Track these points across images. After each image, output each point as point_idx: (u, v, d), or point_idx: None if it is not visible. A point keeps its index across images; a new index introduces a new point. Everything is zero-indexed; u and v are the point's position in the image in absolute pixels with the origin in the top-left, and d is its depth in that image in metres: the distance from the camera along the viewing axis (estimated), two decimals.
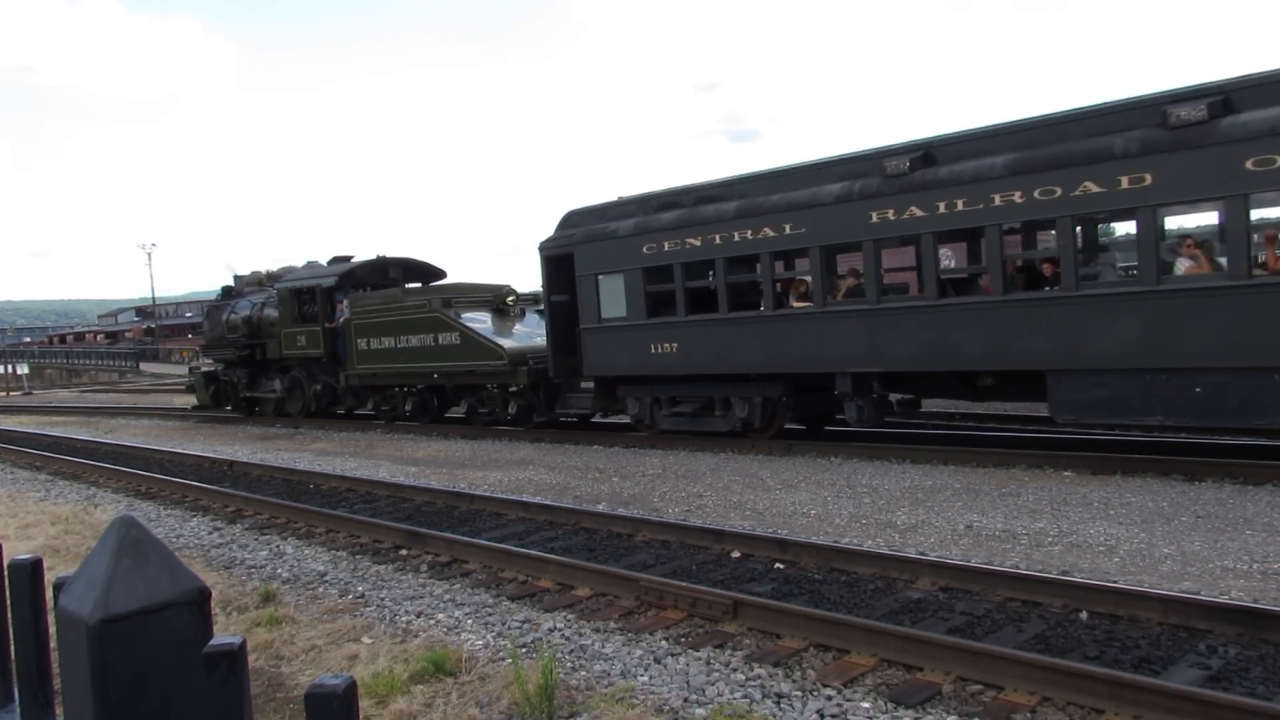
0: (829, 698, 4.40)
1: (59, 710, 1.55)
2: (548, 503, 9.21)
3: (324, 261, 21.58)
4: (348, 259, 20.61)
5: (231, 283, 23.60)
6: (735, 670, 4.81)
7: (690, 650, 5.14)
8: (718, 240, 12.22)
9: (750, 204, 11.99)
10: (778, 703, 4.39)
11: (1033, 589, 5.64)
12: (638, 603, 5.96)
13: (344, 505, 10.06)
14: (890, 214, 10.54)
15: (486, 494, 9.88)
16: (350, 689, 1.04)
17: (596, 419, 15.84)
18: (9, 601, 1.90)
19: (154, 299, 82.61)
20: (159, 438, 19.11)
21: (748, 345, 12.04)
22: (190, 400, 24.88)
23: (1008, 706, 4.21)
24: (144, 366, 58.42)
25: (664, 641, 5.33)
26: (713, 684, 4.64)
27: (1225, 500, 7.86)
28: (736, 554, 7.09)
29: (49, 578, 1.77)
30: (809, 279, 11.81)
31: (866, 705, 4.30)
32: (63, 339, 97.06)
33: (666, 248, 12.78)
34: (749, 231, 11.86)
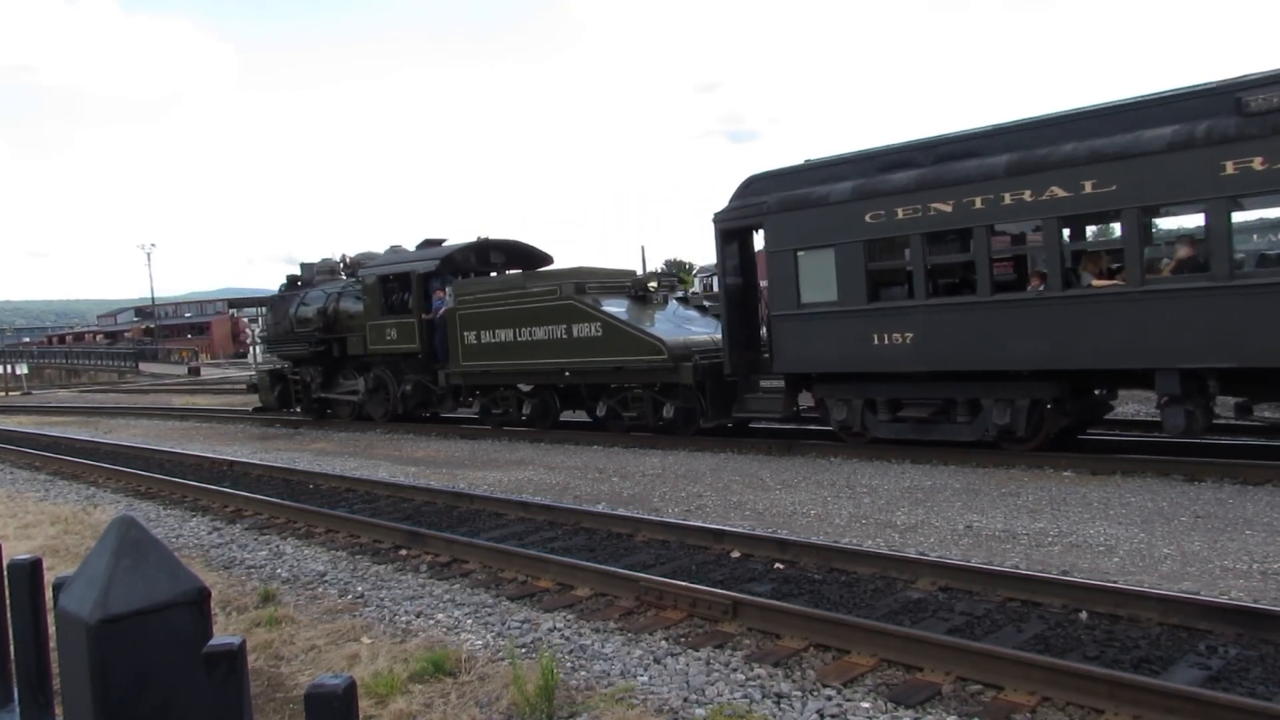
0: (829, 698, 4.40)
1: (58, 710, 1.55)
2: (548, 503, 9.21)
3: (408, 246, 19.53)
4: (438, 242, 18.42)
5: (298, 271, 21.36)
6: (735, 670, 4.81)
7: (690, 650, 5.14)
8: (978, 204, 9.81)
9: (1029, 158, 9.59)
10: (778, 703, 4.39)
11: (1033, 589, 5.64)
12: (637, 603, 5.96)
13: (344, 505, 10.06)
14: (1257, 163, 8.21)
15: (486, 494, 9.88)
16: (350, 689, 1.04)
17: (749, 425, 13.79)
18: (9, 601, 1.90)
19: (153, 299, 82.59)
20: (158, 438, 19.10)
21: (1019, 335, 9.72)
22: (252, 400, 22.48)
23: (1008, 706, 4.21)
24: (143, 367, 58.41)
25: (664, 641, 5.33)
26: (712, 684, 4.64)
27: (1225, 500, 7.86)
28: (736, 554, 7.09)
29: (49, 578, 1.77)
30: (1118, 250, 9.54)
31: (866, 705, 4.30)
32: (62, 339, 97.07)
33: (900, 215, 10.40)
34: (1026, 192, 9.52)
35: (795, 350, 11.62)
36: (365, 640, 5.62)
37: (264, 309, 22.63)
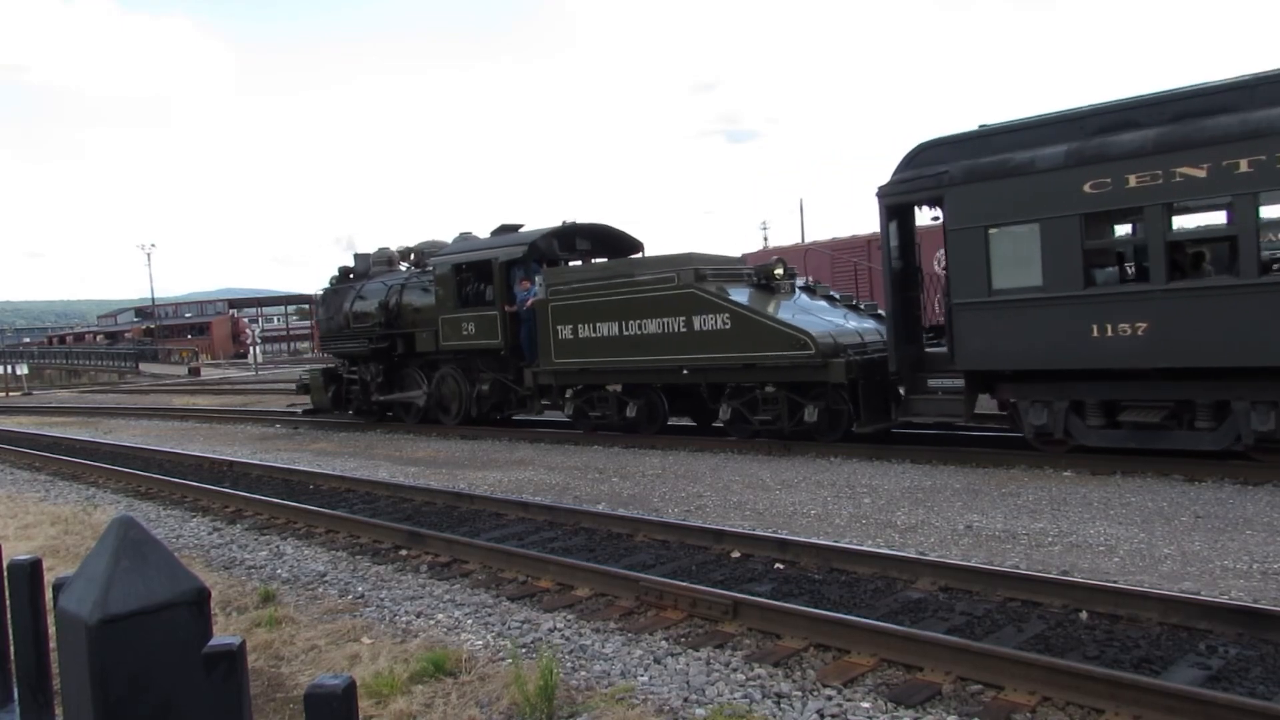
0: (829, 698, 4.40)
1: (58, 710, 1.55)
2: (548, 503, 9.21)
3: (476, 232, 17.90)
4: (516, 228, 16.70)
5: (351, 262, 19.78)
6: (735, 670, 4.81)
7: (690, 650, 5.14)
8: (1243, 167, 8.22)
9: None
10: (778, 703, 4.39)
11: (1033, 589, 5.64)
12: (638, 603, 5.97)
13: (344, 505, 10.06)
14: None
15: (486, 494, 9.88)
16: (350, 689, 1.04)
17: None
18: (9, 602, 1.90)
19: (153, 299, 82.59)
20: (159, 438, 19.10)
21: None
22: (301, 401, 20.94)
23: (1008, 706, 4.21)
24: (143, 367, 58.41)
25: (664, 641, 5.33)
26: (713, 684, 4.64)
27: (1225, 500, 7.86)
28: (736, 554, 7.09)
29: (48, 578, 1.77)
30: None
31: (866, 705, 4.30)
32: (62, 339, 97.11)
33: (1132, 183, 8.82)
34: None
35: (983, 344, 9.95)
36: (365, 640, 5.62)
37: (319, 301, 20.40)
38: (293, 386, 29.00)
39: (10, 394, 44.57)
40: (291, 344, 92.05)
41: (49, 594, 1.64)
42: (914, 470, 10.05)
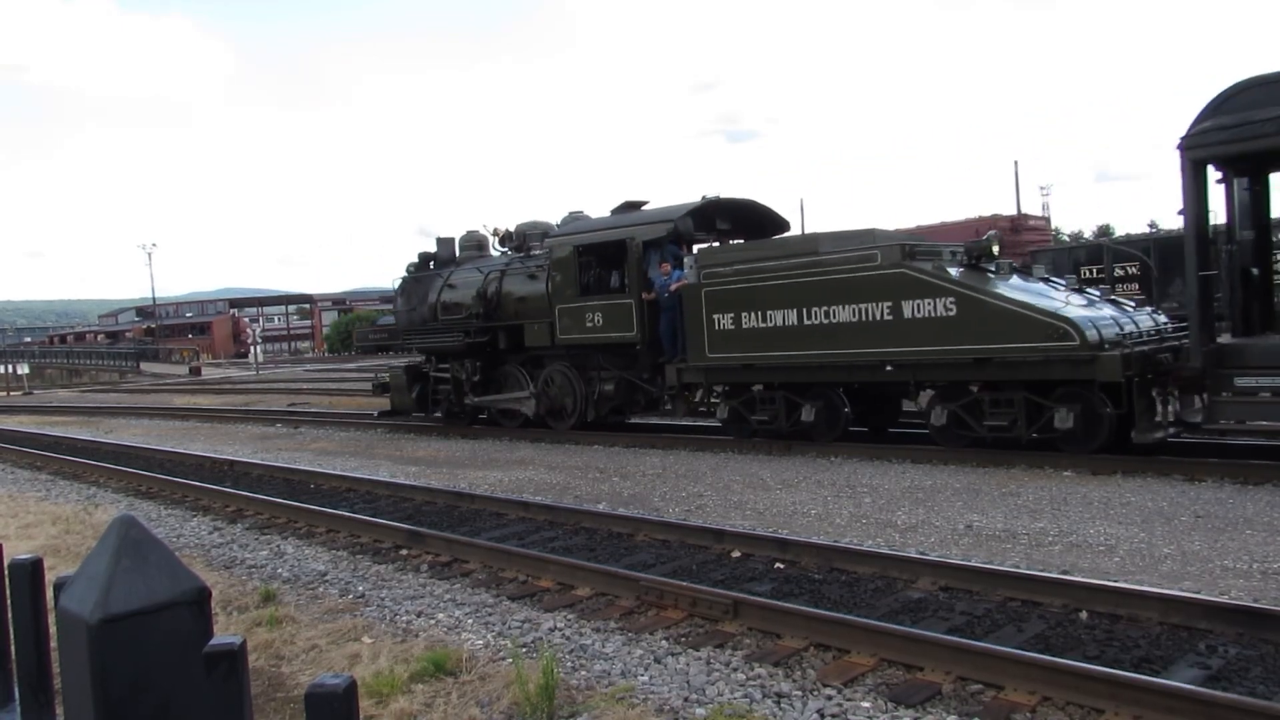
0: (829, 697, 4.40)
1: (59, 710, 1.56)
2: (548, 502, 9.21)
3: (582, 213, 15.97)
4: (639, 204, 14.73)
5: (433, 248, 17.86)
6: (735, 670, 4.81)
7: (690, 650, 5.14)
8: None
9: None
10: (778, 702, 4.39)
11: (1033, 589, 5.64)
12: (638, 602, 5.97)
13: (344, 505, 10.06)
14: None
15: (487, 494, 9.88)
16: (350, 689, 1.05)
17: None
18: (9, 601, 1.90)
19: (154, 299, 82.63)
20: (160, 438, 19.10)
21: None
22: (379, 403, 18.84)
23: (1008, 706, 4.21)
24: (144, 366, 58.45)
25: (664, 641, 5.33)
26: (713, 684, 4.64)
27: (1225, 500, 7.86)
28: (737, 554, 7.10)
29: (49, 578, 1.77)
30: None
31: (866, 705, 4.30)
32: (63, 339, 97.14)
33: None
34: None
35: None
36: (366, 640, 5.62)
37: (397, 292, 18.24)
38: (291, 389, 28.94)
39: (11, 393, 44.60)
40: (292, 344, 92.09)
41: (50, 593, 1.64)
42: (914, 470, 10.05)
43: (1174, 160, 9.13)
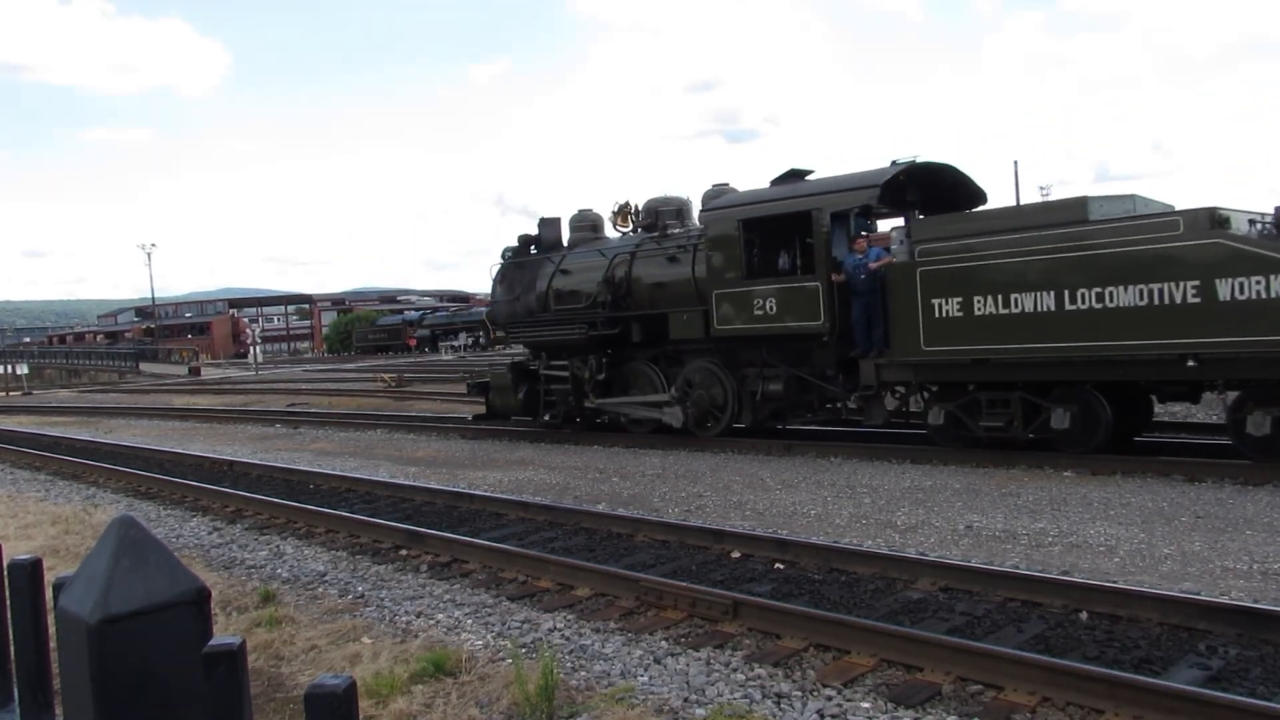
0: (829, 698, 4.40)
1: (59, 710, 1.55)
2: (548, 503, 9.21)
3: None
4: (804, 173, 12.47)
5: (535, 230, 15.88)
6: (735, 670, 4.81)
7: (690, 650, 5.14)
8: None
9: None
10: (778, 703, 4.39)
11: (1033, 589, 5.64)
12: (638, 603, 5.97)
13: (344, 505, 10.05)
14: None
15: (486, 494, 9.87)
16: (350, 689, 1.05)
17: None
18: (9, 601, 1.90)
19: (154, 299, 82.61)
20: (159, 438, 19.10)
21: None
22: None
23: (1008, 706, 4.21)
24: (144, 367, 58.42)
25: (664, 641, 5.33)
26: (713, 684, 4.64)
27: (1225, 500, 7.86)
28: (736, 554, 7.09)
29: (49, 578, 1.77)
30: None
31: (866, 705, 4.30)
32: (62, 339, 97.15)
33: None
34: None
35: None
36: (366, 640, 5.62)
37: (495, 279, 16.07)
38: (290, 389, 28.81)
39: (10, 394, 44.57)
40: (291, 344, 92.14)
41: (49, 594, 1.64)
42: (914, 470, 10.05)
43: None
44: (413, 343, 62.90)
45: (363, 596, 6.61)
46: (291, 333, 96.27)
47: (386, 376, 30.41)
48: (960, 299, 10.07)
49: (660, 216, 13.92)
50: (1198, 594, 5.37)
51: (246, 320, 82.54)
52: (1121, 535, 6.96)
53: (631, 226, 14.53)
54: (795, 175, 12.50)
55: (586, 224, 15.39)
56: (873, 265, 10.95)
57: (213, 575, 7.43)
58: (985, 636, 5.05)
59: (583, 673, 4.91)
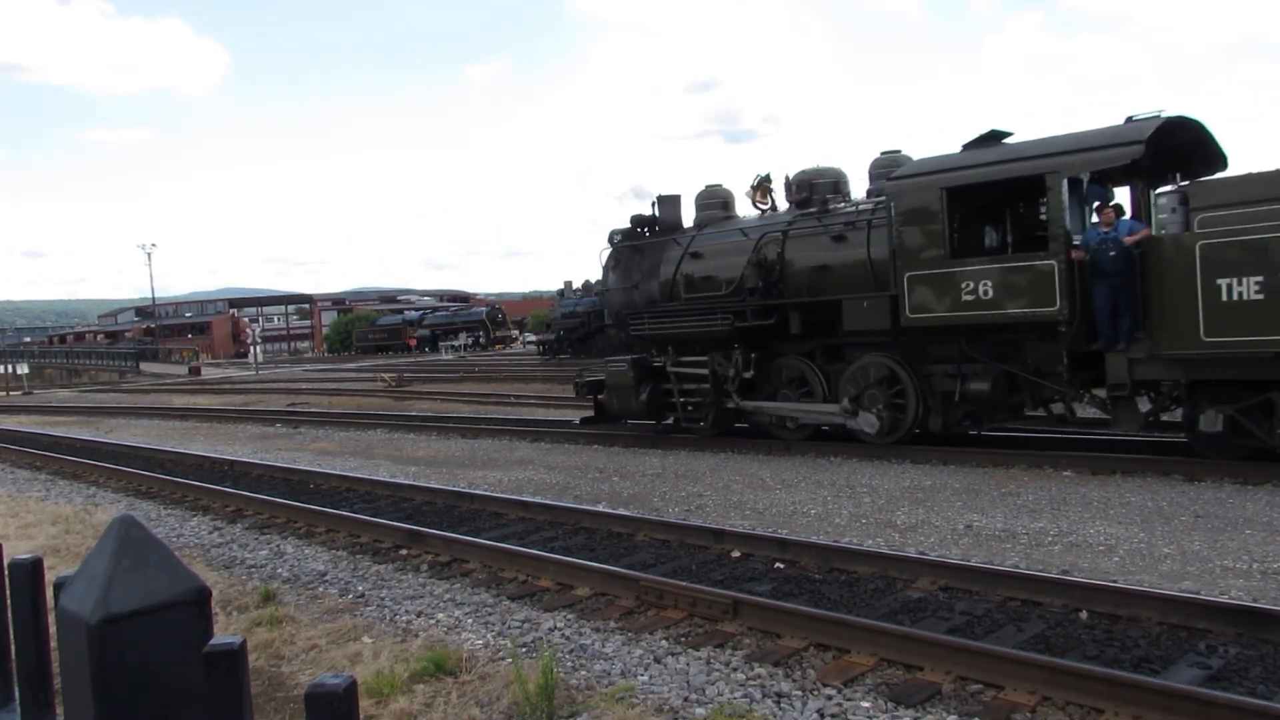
0: (829, 697, 4.40)
1: (59, 710, 1.56)
2: (548, 502, 9.21)
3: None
4: (1003, 135, 10.58)
5: (649, 210, 14.31)
6: (735, 670, 4.81)
7: (690, 650, 5.14)
8: None
9: None
10: (778, 702, 4.39)
11: (1033, 589, 5.64)
12: (638, 602, 5.97)
13: (344, 505, 10.05)
14: None
15: (486, 494, 9.87)
16: (350, 688, 1.05)
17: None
18: (9, 601, 1.90)
19: (154, 299, 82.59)
20: (159, 438, 19.10)
21: None
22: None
23: (1008, 706, 4.21)
24: (144, 366, 58.42)
25: (664, 641, 5.33)
26: (713, 683, 4.64)
27: (1225, 500, 7.86)
28: (736, 553, 7.10)
29: (49, 577, 1.77)
30: None
31: (866, 705, 4.30)
32: (63, 339, 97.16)
33: None
34: None
35: None
36: (366, 640, 5.62)
37: (607, 265, 14.52)
38: (290, 389, 28.75)
39: (11, 393, 44.59)
40: (292, 344, 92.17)
41: (50, 593, 1.64)
42: (914, 470, 10.05)
43: None
44: (413, 342, 62.93)
45: (363, 596, 6.62)
46: (292, 333, 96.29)
47: (387, 376, 30.43)
48: (1260, 278, 8.23)
49: (816, 190, 12.31)
50: (1197, 593, 5.37)
51: (247, 320, 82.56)
52: (1121, 535, 6.96)
53: (770, 203, 13.13)
54: (995, 137, 10.57)
55: (716, 201, 13.72)
56: (1128, 240, 9.21)
57: (213, 575, 7.43)
58: (985, 636, 5.05)
59: (583, 672, 4.91)
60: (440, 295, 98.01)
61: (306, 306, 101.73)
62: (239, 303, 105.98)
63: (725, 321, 12.15)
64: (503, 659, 5.10)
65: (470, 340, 57.62)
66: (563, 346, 39.97)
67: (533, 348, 48.29)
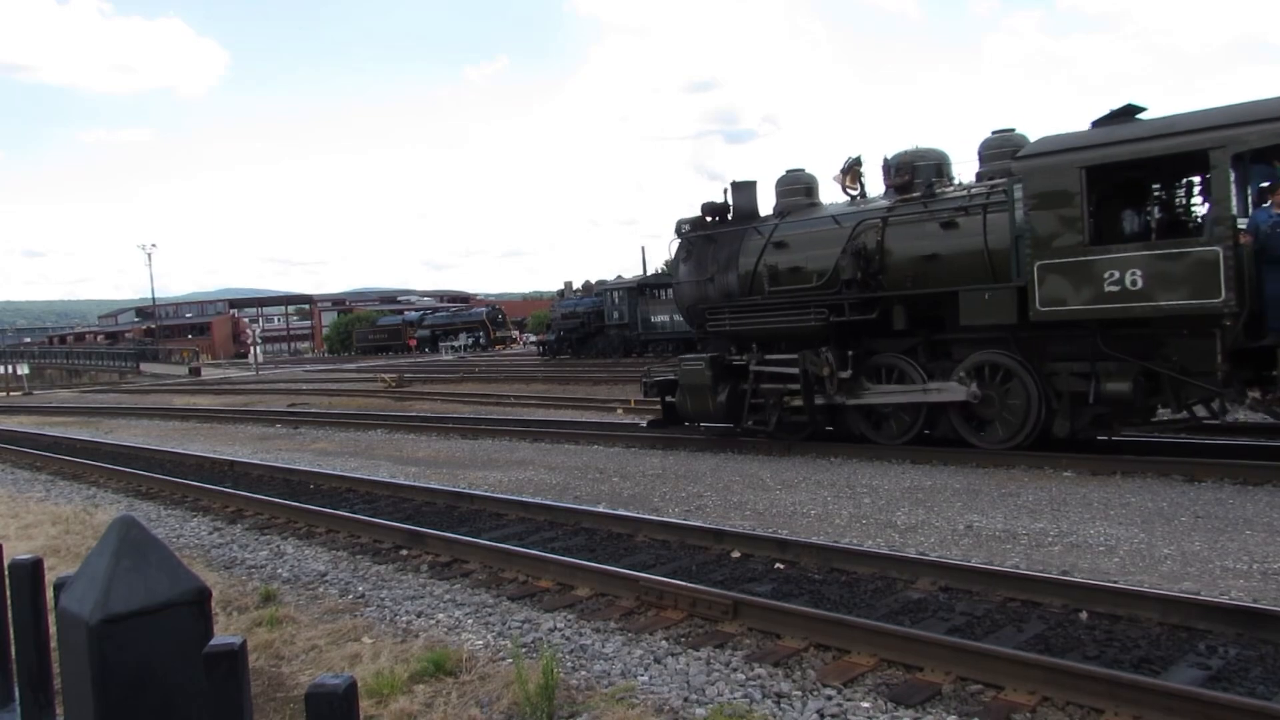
0: (829, 697, 4.40)
1: (59, 710, 1.56)
2: (548, 503, 9.21)
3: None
4: (1137, 110, 9.52)
5: (724, 196, 13.48)
6: (735, 670, 4.81)
7: (690, 650, 5.14)
8: None
9: None
10: (778, 702, 4.39)
11: (1033, 589, 5.64)
12: (638, 603, 5.97)
13: (344, 505, 10.06)
14: None
15: (487, 494, 9.87)
16: (350, 689, 1.05)
17: None
18: (10, 601, 1.90)
19: (154, 299, 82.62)
20: (160, 438, 19.10)
21: None
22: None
23: (1008, 706, 4.21)
24: (144, 367, 58.42)
25: (664, 641, 5.33)
26: (713, 684, 4.64)
27: (1225, 500, 7.86)
28: (736, 554, 7.10)
29: (49, 578, 1.77)
30: None
31: (866, 705, 4.30)
32: (63, 339, 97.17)
33: None
34: None
35: None
36: (366, 640, 5.62)
37: (677, 256, 13.75)
38: (290, 389, 28.63)
39: (11, 394, 44.59)
40: (292, 344, 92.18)
41: (50, 594, 1.64)
42: (914, 470, 10.05)
43: None
44: (413, 343, 62.96)
45: (363, 596, 6.62)
46: (292, 333, 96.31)
47: (387, 377, 30.43)
48: None
49: (918, 173, 11.46)
50: (1197, 594, 5.37)
51: (247, 320, 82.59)
52: (1121, 535, 6.96)
53: (860, 189, 12.37)
54: (1129, 112, 9.57)
55: (799, 187, 12.84)
56: None
57: (213, 575, 7.43)
58: (985, 636, 5.05)
59: (583, 672, 4.91)
60: (440, 296, 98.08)
61: (306, 307, 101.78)
62: (239, 303, 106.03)
63: (819, 316, 11.28)
64: (503, 659, 5.10)
65: (470, 341, 57.66)
66: (563, 347, 40.00)
67: (533, 348, 48.29)
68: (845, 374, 11.25)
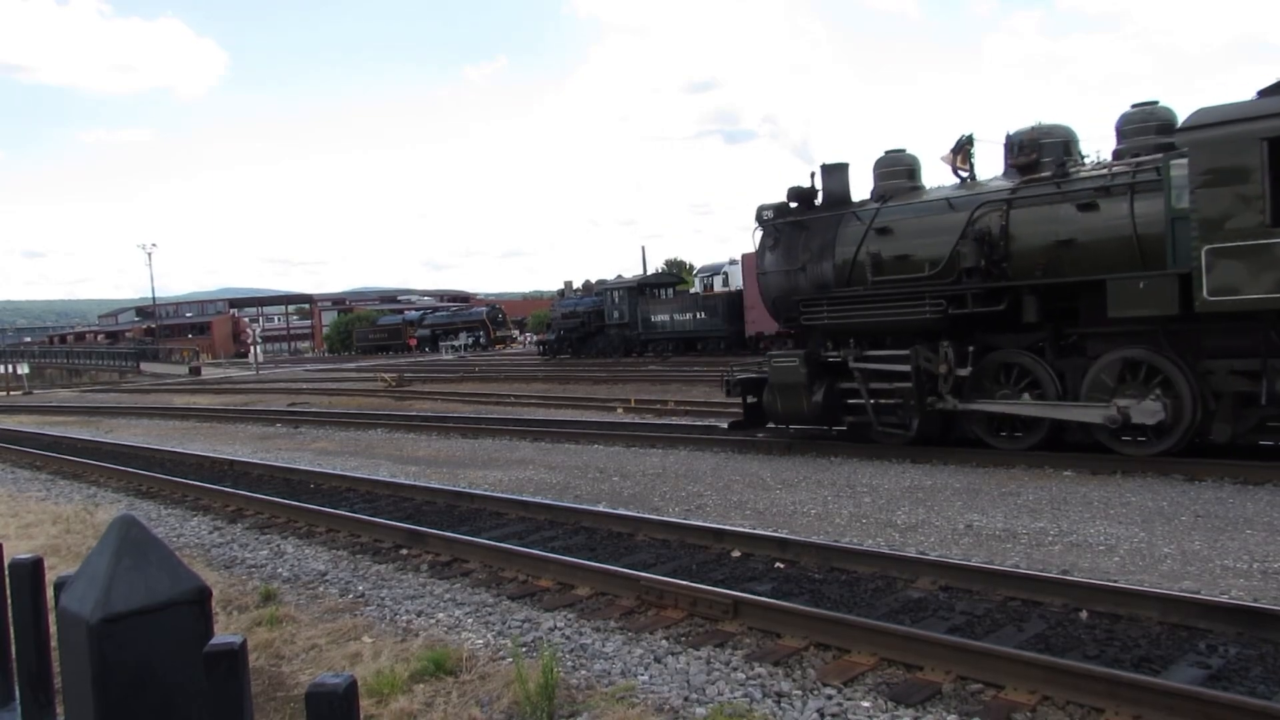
0: (829, 697, 4.41)
1: (60, 709, 1.56)
2: (548, 502, 9.21)
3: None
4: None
5: (811, 180, 12.64)
6: (735, 669, 4.81)
7: (690, 649, 5.14)
8: None
9: None
10: (778, 702, 4.39)
11: (1033, 588, 5.64)
12: (638, 602, 5.97)
13: (344, 504, 10.06)
14: None
15: (487, 493, 9.88)
16: (351, 688, 1.05)
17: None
18: (10, 601, 1.90)
19: (154, 299, 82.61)
20: (160, 437, 19.10)
21: None
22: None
23: (1008, 705, 4.21)
24: (144, 366, 58.42)
25: (664, 641, 5.33)
26: (713, 683, 4.64)
27: (1225, 500, 7.86)
28: (737, 553, 7.10)
29: (50, 577, 1.77)
30: None
31: (866, 704, 4.30)
32: (63, 339, 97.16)
33: None
34: None
35: None
36: (366, 639, 5.63)
37: (762, 244, 12.89)
38: (290, 389, 28.67)
39: (11, 393, 44.59)
40: (292, 344, 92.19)
41: (50, 593, 1.64)
42: (914, 470, 10.05)
43: None
44: (413, 342, 62.95)
45: (363, 596, 6.62)
46: (292, 332, 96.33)
47: (387, 376, 30.43)
48: None
49: (1045, 151, 10.48)
50: (1198, 593, 5.37)
51: (247, 320, 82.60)
52: (1121, 534, 6.96)
53: (970, 170, 11.43)
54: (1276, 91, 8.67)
55: (901, 169, 11.97)
56: None
57: (213, 574, 7.43)
58: (985, 636, 5.05)
59: (583, 671, 4.91)
60: (440, 295, 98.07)
61: (306, 306, 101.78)
62: (239, 303, 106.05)
63: (936, 308, 10.27)
64: (503, 658, 5.10)
65: (470, 340, 57.65)
66: (563, 346, 40.01)
67: (533, 347, 48.30)
68: (964, 371, 10.32)
